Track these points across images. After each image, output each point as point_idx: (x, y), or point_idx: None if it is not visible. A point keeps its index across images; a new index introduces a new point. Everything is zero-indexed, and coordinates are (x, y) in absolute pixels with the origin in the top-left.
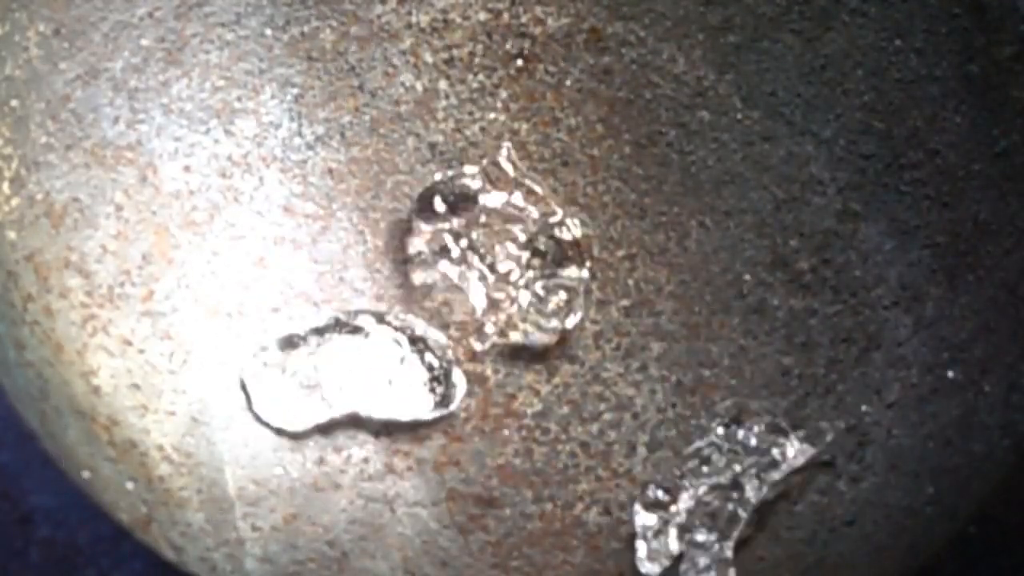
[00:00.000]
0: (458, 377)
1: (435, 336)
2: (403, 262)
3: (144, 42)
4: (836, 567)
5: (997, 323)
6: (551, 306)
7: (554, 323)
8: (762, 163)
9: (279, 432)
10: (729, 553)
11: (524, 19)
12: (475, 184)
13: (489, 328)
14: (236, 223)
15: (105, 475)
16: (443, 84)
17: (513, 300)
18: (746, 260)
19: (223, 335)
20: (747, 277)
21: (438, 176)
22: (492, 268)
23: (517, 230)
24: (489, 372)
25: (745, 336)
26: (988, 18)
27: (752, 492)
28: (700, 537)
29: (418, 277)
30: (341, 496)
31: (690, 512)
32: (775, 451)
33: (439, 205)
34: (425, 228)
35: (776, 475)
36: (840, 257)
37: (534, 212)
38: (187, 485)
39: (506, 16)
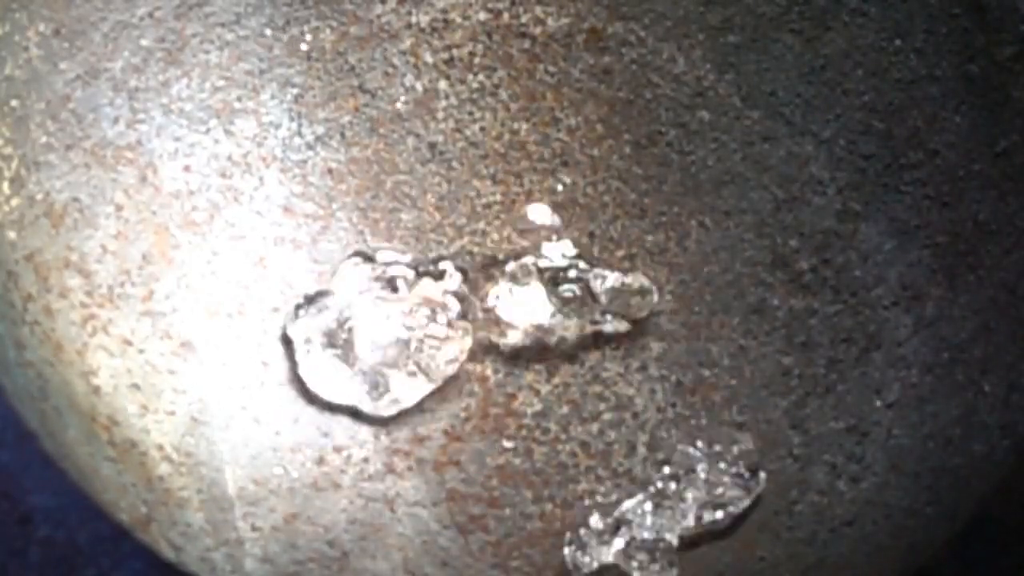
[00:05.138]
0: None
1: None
2: None
3: (144, 42)
4: (836, 567)
5: (997, 323)
6: None
7: None
8: (762, 163)
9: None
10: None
11: (524, 19)
12: None
13: None
14: (236, 223)
15: (105, 475)
16: (443, 84)
17: None
18: (746, 260)
19: (223, 335)
20: (747, 277)
21: None
22: None
23: None
24: (489, 372)
25: (745, 336)
26: (988, 18)
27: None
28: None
29: None
30: (341, 496)
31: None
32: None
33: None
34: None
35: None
36: (840, 257)
37: None
38: (187, 485)
39: (506, 16)
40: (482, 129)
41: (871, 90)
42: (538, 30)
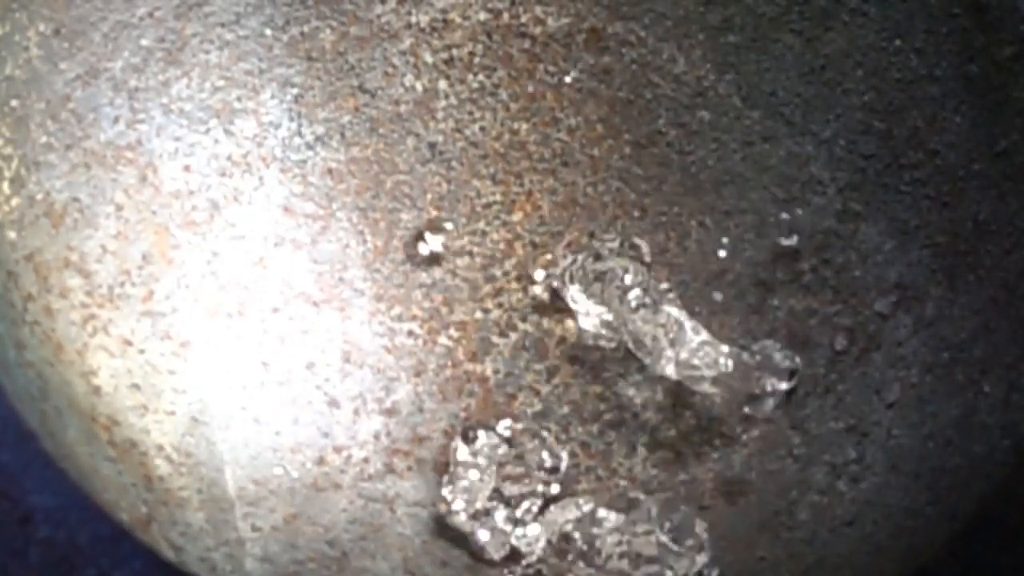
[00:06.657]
0: None
1: None
2: None
3: (144, 42)
4: (836, 567)
5: (997, 323)
6: None
7: None
8: (762, 163)
9: None
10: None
11: (524, 19)
12: None
13: None
14: (236, 223)
15: (105, 475)
16: (443, 84)
17: None
18: (746, 260)
19: (223, 335)
20: (747, 277)
21: None
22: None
23: None
24: (489, 372)
25: (745, 336)
26: (988, 18)
27: None
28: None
29: None
30: (341, 496)
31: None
32: None
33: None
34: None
35: None
36: (840, 257)
37: None
38: (187, 485)
39: (506, 16)
40: (482, 129)
41: (871, 90)
42: (538, 30)
